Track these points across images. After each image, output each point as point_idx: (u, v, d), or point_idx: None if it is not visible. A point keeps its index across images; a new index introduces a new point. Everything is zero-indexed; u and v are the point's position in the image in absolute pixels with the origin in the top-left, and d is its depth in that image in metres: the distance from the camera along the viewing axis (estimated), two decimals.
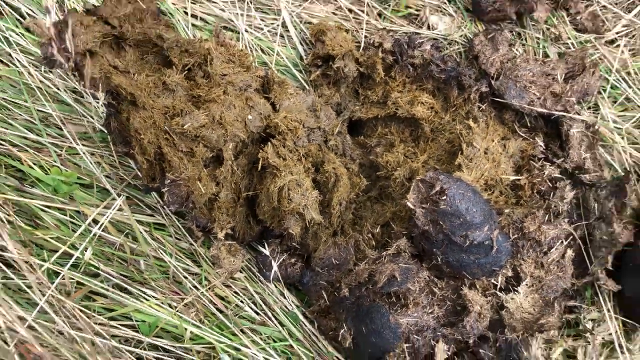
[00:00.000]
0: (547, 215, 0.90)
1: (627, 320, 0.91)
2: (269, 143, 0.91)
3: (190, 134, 0.88)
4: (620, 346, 0.88)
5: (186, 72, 0.94)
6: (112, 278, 0.90)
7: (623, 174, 0.92)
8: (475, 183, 0.89)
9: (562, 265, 0.88)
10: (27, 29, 1.04)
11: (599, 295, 0.91)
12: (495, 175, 0.91)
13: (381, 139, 1.02)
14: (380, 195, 0.99)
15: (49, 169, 0.96)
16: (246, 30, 1.04)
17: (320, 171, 0.94)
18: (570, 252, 0.88)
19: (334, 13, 1.05)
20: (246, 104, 0.93)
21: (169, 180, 0.85)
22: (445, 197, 0.80)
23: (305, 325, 0.93)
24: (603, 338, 0.88)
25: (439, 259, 0.84)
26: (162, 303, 0.90)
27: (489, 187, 0.92)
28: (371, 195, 1.00)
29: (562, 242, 0.89)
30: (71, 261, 0.87)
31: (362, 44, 1.03)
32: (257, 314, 0.94)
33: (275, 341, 0.92)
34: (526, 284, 0.85)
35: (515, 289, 0.86)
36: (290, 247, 0.93)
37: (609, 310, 0.90)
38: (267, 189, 0.88)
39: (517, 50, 1.01)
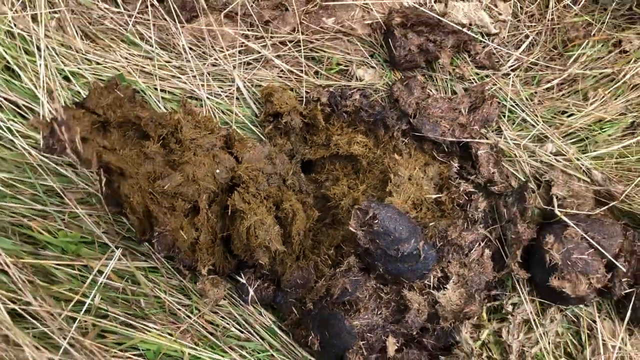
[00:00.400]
0: (465, 224, 1.11)
1: (542, 301, 1.12)
2: (235, 191, 1.11)
3: (170, 192, 1.08)
4: (535, 322, 1.09)
5: (161, 141, 1.15)
6: (119, 317, 1.10)
7: (524, 183, 1.14)
8: (404, 204, 1.11)
9: (481, 263, 1.09)
10: (25, 118, 1.24)
11: (517, 283, 1.12)
12: (420, 195, 1.13)
13: (329, 174, 1.23)
14: (333, 221, 1.20)
15: (56, 232, 1.16)
16: (207, 98, 1.26)
17: (280, 208, 1.15)
18: (487, 252, 1.10)
19: (278, 75, 1.27)
20: (213, 161, 1.14)
21: (157, 233, 1.05)
22: (377, 220, 1.01)
23: (282, 337, 1.14)
24: (522, 318, 1.10)
25: (381, 270, 1.05)
26: (162, 332, 1.10)
27: (416, 206, 1.13)
28: (325, 222, 1.20)
29: (479, 244, 1.10)
30: (84, 307, 1.07)
31: (304, 99, 1.25)
32: (242, 332, 1.14)
33: (259, 352, 1.12)
34: (453, 282, 1.06)
35: (445, 286, 1.07)
36: (263, 274, 1.14)
37: (525, 295, 1.11)
38: (237, 229, 1.09)
39: (430, 90, 1.23)
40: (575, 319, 1.14)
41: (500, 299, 1.12)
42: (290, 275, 1.11)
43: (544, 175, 1.19)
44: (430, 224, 1.11)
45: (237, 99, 1.27)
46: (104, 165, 1.07)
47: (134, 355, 1.09)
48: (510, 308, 1.11)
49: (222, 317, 1.14)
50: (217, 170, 1.14)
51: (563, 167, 1.18)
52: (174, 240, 1.07)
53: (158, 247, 1.06)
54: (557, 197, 1.15)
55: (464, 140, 1.16)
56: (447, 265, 1.08)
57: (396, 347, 1.05)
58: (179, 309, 1.13)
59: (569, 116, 1.22)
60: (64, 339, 1.02)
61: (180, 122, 1.15)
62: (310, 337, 1.06)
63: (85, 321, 1.08)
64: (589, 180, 1.17)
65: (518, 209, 1.12)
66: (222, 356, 1.10)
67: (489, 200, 1.15)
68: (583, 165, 1.18)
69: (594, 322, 1.13)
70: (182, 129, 1.15)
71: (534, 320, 1.10)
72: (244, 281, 1.12)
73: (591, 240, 1.07)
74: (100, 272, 1.12)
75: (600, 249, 1.06)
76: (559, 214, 1.10)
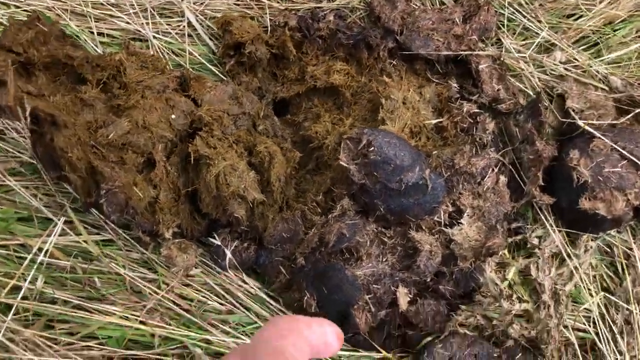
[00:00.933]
0: (474, 149, 0.94)
1: (570, 231, 0.96)
2: (197, 136, 0.92)
3: (117, 142, 0.89)
4: (568, 254, 0.93)
5: (102, 85, 0.95)
6: (71, 300, 0.90)
7: (537, 95, 0.98)
8: (400, 133, 0.93)
9: (498, 191, 0.92)
10: None
11: (540, 212, 0.95)
12: (418, 121, 0.95)
13: (307, 113, 1.05)
14: (318, 166, 1.02)
15: None
16: (154, 37, 1.06)
17: (253, 154, 0.96)
18: (503, 178, 0.93)
19: (235, 4, 1.08)
20: (167, 105, 0.94)
21: (104, 190, 0.85)
22: (372, 148, 0.83)
23: (271, 304, 0.95)
24: (551, 250, 0.93)
25: (382, 209, 0.87)
26: (125, 314, 0.90)
27: (415, 134, 0.96)
28: (309, 168, 1.02)
29: (492, 169, 0.93)
30: (22, 292, 0.86)
31: (269, 27, 1.06)
32: (222, 304, 0.94)
33: (244, 326, 0.93)
34: (468, 215, 0.89)
35: (459, 221, 0.89)
36: (241, 233, 0.95)
37: (551, 225, 0.95)
38: (203, 180, 0.90)
39: (415, 4, 1.06)
40: (607, 249, 0.98)
41: (523, 232, 0.95)
42: (274, 229, 0.92)
43: (555, 88, 1.02)
44: (433, 152, 0.93)
45: (190, 35, 1.08)
46: (31, 112, 0.86)
47: (94, 344, 0.89)
48: (535, 241, 0.94)
49: (196, 289, 0.95)
50: (173, 116, 0.94)
51: (576, 77, 1.02)
52: (126, 199, 0.87)
53: (108, 209, 0.86)
54: (573, 110, 0.99)
55: (462, 53, 0.99)
56: (459, 198, 0.90)
57: (409, 299, 0.87)
58: (144, 285, 0.93)
59: (576, 19, 1.06)
60: None
61: (123, 62, 0.96)
62: (306, 298, 0.87)
63: (27, 310, 0.88)
64: (607, 88, 1.01)
65: (533, 125, 0.95)
66: (201, 334, 0.90)
67: (496, 121, 0.98)
68: (598, 72, 1.02)
69: (630, 249, 0.97)
70: (126, 70, 0.95)
71: (566, 252, 0.93)
72: (219, 242, 0.92)
73: (622, 151, 0.91)
74: (41, 250, 0.92)
75: (635, 159, 0.90)
76: (581, 124, 0.94)
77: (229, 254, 0.92)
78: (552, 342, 0.88)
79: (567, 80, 1.03)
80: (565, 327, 0.93)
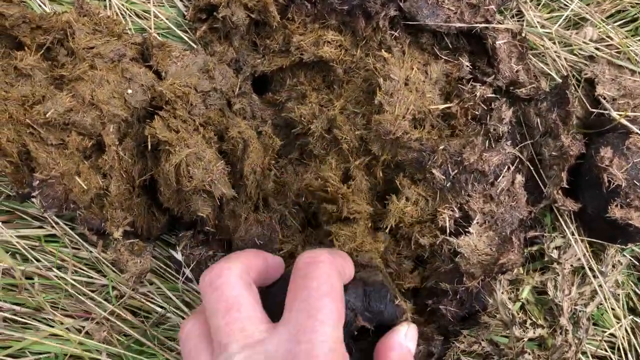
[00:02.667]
0: (487, 141, 0.79)
1: (594, 241, 0.81)
2: (156, 116, 0.77)
3: (58, 122, 0.73)
4: (592, 269, 0.79)
5: (44, 52, 0.79)
6: (0, 310, 0.75)
7: (563, 79, 0.82)
8: (401, 120, 0.77)
9: (513, 194, 0.77)
10: None
11: (560, 219, 0.81)
12: (423, 106, 0.80)
13: (291, 91, 0.89)
14: (301, 155, 0.87)
15: None
16: None
17: (225, 139, 0.81)
18: (520, 178, 0.78)
19: None
20: (122, 77, 0.79)
21: (37, 181, 0.70)
22: None
23: None
24: (572, 265, 0.79)
25: None
26: (67, 327, 0.76)
27: (419, 122, 0.80)
28: (292, 157, 0.87)
29: (508, 167, 0.78)
30: None
31: None
32: (184, 317, 0.80)
33: None
34: (477, 222, 0.74)
35: (467, 230, 0.75)
36: (207, 234, 0.80)
37: (573, 234, 0.80)
38: (162, 170, 0.74)
39: None
40: (636, 262, 0.84)
41: (540, 243, 0.80)
42: (246, 232, 0.77)
43: (583, 72, 0.87)
44: (440, 147, 0.78)
45: None
46: None
47: None
48: (554, 254, 0.79)
49: (152, 299, 0.81)
50: (129, 91, 0.78)
51: (609, 58, 0.87)
52: (66, 191, 0.72)
53: (42, 202, 0.71)
54: (604, 99, 0.84)
55: (477, 26, 0.83)
56: (467, 201, 0.75)
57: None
58: (91, 293, 0.79)
59: None
60: None
61: (72, 24, 0.79)
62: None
63: None
64: None
65: (558, 116, 0.80)
66: (154, 354, 0.76)
67: (514, 109, 0.83)
68: (637, 54, 0.87)
69: None
70: (75, 34, 0.79)
71: (589, 267, 0.79)
72: (178, 255, 0.78)
73: None
74: None
75: None
76: (615, 116, 0.79)
77: (187, 272, 0.77)
78: None
79: (598, 62, 0.87)
80: (584, 353, 0.79)
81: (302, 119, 0.84)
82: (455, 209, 0.75)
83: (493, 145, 0.76)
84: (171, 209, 0.79)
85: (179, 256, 0.79)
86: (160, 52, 0.82)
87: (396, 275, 0.78)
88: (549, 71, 0.87)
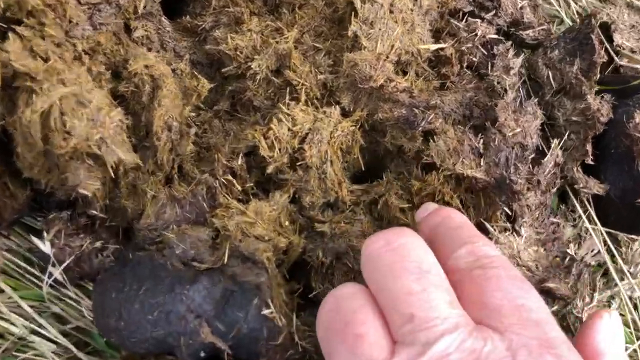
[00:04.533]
0: (518, 100, 0.58)
1: (611, 231, 0.64)
2: (11, 34, 0.48)
3: None
4: (620, 270, 0.61)
5: None
6: None
7: (583, 21, 0.63)
8: (383, 62, 0.54)
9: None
10: None
11: (577, 203, 0.62)
12: (411, 45, 0.57)
13: (220, 14, 0.62)
14: (234, 106, 0.62)
15: None
16: None
17: (123, 76, 0.54)
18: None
19: None
20: None
21: None
22: None
23: None
24: (592, 264, 0.61)
25: None
26: None
27: (405, 66, 0.58)
28: (219, 109, 0.61)
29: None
30: None
31: None
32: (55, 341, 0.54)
33: None
34: (526, 223, 0.53)
35: (515, 227, 0.54)
36: (93, 219, 0.53)
37: (591, 221, 0.62)
38: (20, 119, 0.46)
39: None
40: None
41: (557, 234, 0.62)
42: (157, 216, 0.52)
43: (597, 16, 0.68)
44: (432, 101, 0.56)
45: None
46: None
47: None
48: (570, 250, 0.61)
49: (12, 312, 0.53)
50: None
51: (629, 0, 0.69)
52: None
53: None
54: (622, 48, 0.66)
55: None
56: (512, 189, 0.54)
57: None
58: None
59: None
60: None
61: None
62: None
63: None
64: None
65: (581, 69, 0.61)
66: None
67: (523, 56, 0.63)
68: None
69: None
70: None
71: (617, 268, 0.61)
72: (45, 247, 0.50)
73: None
74: None
75: None
76: None
77: (58, 271, 0.50)
78: None
79: (615, 3, 0.69)
80: None
81: (238, 53, 0.59)
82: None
83: (524, 105, 0.55)
84: (35, 181, 0.51)
85: (46, 248, 0.52)
86: None
87: None
88: (557, 13, 0.67)
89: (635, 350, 0.61)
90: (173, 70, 0.58)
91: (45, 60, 0.47)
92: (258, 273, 0.45)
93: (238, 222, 0.49)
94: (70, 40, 0.51)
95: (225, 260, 0.47)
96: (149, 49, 0.60)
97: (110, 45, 0.55)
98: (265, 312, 0.44)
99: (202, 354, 0.45)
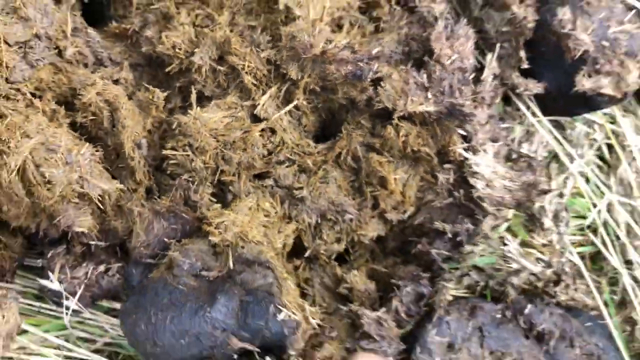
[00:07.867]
0: (449, 27, 0.61)
1: (552, 118, 0.70)
2: None
3: None
4: (568, 155, 0.68)
5: None
6: None
7: None
8: (320, 25, 0.56)
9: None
10: None
11: (520, 104, 0.67)
12: (340, 2, 0.59)
13: (146, 13, 0.62)
14: (186, 99, 0.63)
15: None
16: None
17: (77, 107, 0.54)
18: None
19: None
20: None
21: None
22: None
23: None
24: (542, 155, 0.67)
25: None
26: None
27: (338, 20, 0.60)
28: (173, 106, 0.62)
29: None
30: None
31: None
32: None
33: None
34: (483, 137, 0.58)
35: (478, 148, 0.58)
36: (88, 245, 0.56)
37: (534, 115, 0.67)
38: None
39: None
40: (588, 128, 0.74)
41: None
42: (147, 234, 0.54)
43: None
44: (373, 50, 0.58)
45: None
46: None
47: None
48: (524, 149, 0.66)
49: (29, 353, 0.56)
50: None
51: None
52: None
53: None
54: None
55: None
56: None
57: None
58: None
59: None
60: None
61: None
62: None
63: None
64: None
65: None
66: None
67: None
68: None
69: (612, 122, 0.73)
70: None
71: (565, 152, 0.68)
72: (53, 284, 0.53)
73: None
74: None
75: None
76: None
77: (74, 301, 0.53)
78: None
79: None
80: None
81: (177, 51, 0.59)
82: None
83: (455, 30, 0.58)
84: (24, 227, 0.53)
85: (55, 285, 0.55)
86: None
87: (357, 222, 0.61)
88: None
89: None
90: (116, 81, 0.59)
91: (2, 117, 0.48)
92: (265, 275, 0.49)
93: (235, 233, 0.52)
94: (14, 87, 0.51)
95: (231, 265, 0.50)
96: (85, 65, 0.59)
97: (51, 77, 0.55)
98: (282, 316, 0.48)
99: (235, 356, 0.49)
